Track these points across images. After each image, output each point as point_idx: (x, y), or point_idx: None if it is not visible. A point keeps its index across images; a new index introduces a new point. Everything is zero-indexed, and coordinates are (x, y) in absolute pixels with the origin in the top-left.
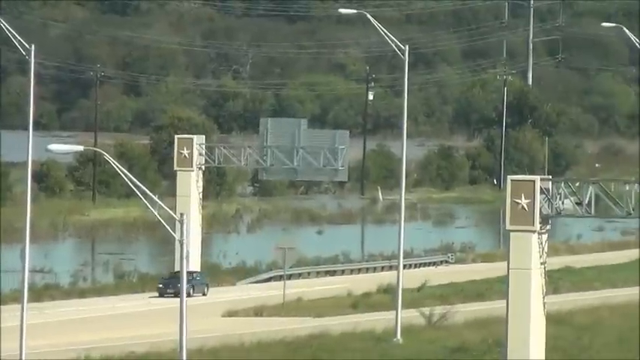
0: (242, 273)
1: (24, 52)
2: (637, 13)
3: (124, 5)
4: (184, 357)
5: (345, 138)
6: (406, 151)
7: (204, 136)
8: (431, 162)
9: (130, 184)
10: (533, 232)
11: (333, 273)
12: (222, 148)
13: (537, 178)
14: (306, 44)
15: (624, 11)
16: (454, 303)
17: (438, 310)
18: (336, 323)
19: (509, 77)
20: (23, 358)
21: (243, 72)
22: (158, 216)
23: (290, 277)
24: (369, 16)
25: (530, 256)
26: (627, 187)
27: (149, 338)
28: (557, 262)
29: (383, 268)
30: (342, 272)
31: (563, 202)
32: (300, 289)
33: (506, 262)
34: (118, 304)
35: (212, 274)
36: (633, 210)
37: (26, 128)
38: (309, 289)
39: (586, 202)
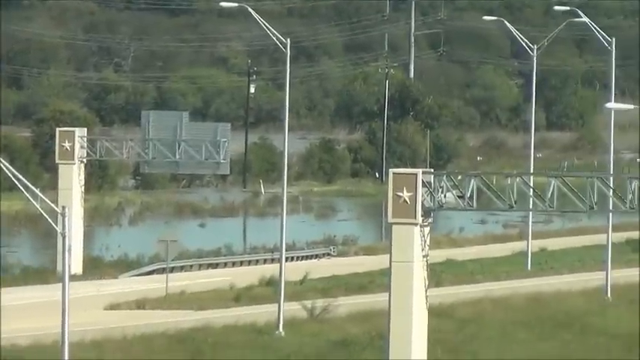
0: (124, 266)
1: None
2: (518, 6)
3: None
4: (66, 350)
5: (226, 131)
6: (288, 144)
7: (85, 129)
8: (313, 155)
9: (12, 177)
10: (416, 225)
11: (215, 266)
12: (104, 141)
13: (419, 171)
14: (187, 37)
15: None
16: (336, 296)
17: (320, 303)
18: (219, 316)
19: (391, 70)
20: None
21: (125, 65)
22: (40, 209)
23: (172, 269)
24: (250, 9)
25: (413, 249)
26: (509, 180)
27: (31, 331)
28: (440, 254)
29: (265, 261)
30: (225, 265)
31: (445, 195)
32: (182, 282)
33: (388, 255)
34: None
35: (94, 267)
36: (515, 203)
37: None
38: (192, 281)
39: (468, 195)
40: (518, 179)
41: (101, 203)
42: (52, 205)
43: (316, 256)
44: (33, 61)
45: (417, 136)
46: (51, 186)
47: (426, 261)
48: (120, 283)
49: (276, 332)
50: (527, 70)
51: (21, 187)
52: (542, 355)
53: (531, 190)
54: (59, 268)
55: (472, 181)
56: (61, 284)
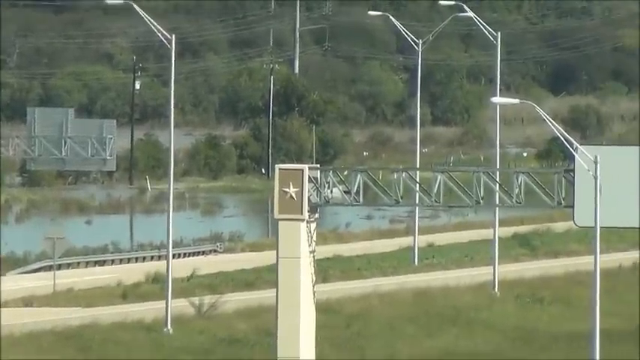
0: (11, 263)
1: None
2: (403, 1)
3: None
4: None
5: (112, 127)
6: (174, 140)
7: None
8: (198, 151)
9: None
10: (302, 220)
11: (102, 263)
12: None
13: (305, 167)
14: (73, 34)
15: None
16: (224, 292)
17: (208, 299)
18: (107, 313)
19: (276, 66)
20: None
21: (10, 62)
22: None
23: (60, 267)
24: (135, 6)
25: (299, 244)
26: (395, 175)
27: None
28: (327, 250)
29: (152, 258)
30: (112, 262)
31: (331, 191)
32: (70, 279)
33: (275, 251)
34: None
35: None
36: (401, 198)
37: None
38: (79, 279)
39: (354, 190)
40: (404, 174)
41: None
42: None
43: (203, 253)
44: None
45: (302, 131)
46: None
47: (313, 257)
48: (7, 280)
49: (164, 329)
50: (412, 65)
51: None
52: (429, 350)
53: (417, 185)
54: None
55: (358, 176)
56: None
